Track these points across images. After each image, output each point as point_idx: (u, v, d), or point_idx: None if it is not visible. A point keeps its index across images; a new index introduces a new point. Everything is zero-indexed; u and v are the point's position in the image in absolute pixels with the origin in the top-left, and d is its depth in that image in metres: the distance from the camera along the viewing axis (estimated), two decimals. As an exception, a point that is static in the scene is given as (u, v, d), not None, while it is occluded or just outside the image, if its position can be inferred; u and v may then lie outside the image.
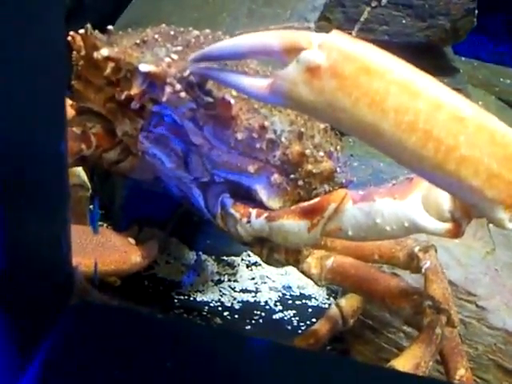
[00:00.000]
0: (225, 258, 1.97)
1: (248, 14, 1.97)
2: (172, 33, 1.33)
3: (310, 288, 1.92)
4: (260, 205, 1.34)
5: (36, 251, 0.89)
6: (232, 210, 1.34)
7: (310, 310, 1.85)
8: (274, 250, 1.40)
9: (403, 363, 1.24)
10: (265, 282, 1.92)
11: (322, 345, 1.57)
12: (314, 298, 1.90)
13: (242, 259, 1.99)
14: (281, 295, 1.88)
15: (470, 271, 1.62)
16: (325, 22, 2.05)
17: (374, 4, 2.18)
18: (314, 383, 0.96)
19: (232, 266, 1.96)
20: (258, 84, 0.95)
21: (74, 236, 1.37)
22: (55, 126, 0.90)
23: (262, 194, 1.33)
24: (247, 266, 1.97)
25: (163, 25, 1.40)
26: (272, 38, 0.92)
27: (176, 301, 1.79)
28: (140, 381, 0.90)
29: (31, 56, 0.79)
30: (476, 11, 2.30)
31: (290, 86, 0.89)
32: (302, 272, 1.44)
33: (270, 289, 1.90)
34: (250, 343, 1.06)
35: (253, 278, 1.93)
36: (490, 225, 1.47)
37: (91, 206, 1.60)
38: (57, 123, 0.90)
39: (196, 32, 1.34)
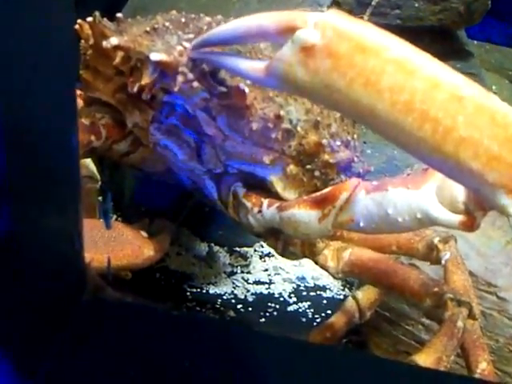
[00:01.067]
0: (237, 249, 1.95)
1: (259, -2, 1.94)
2: (183, 20, 1.29)
3: (325, 279, 1.89)
4: (274, 195, 1.31)
5: (48, 247, 0.87)
6: (244, 200, 1.32)
7: (324, 301, 1.83)
8: (289, 242, 1.37)
9: (424, 358, 1.22)
10: (278, 274, 1.89)
11: (338, 338, 1.55)
12: (329, 289, 1.88)
13: (255, 250, 1.96)
14: (295, 286, 1.86)
15: (489, 261, 1.59)
16: (337, 7, 2.02)
17: (386, -13, 2.14)
18: (332, 379, 0.94)
19: (245, 257, 1.93)
20: (255, 67, 0.93)
21: (85, 230, 1.36)
22: (66, 118, 0.88)
23: (278, 185, 1.31)
24: (260, 257, 1.94)
25: (174, 11, 1.36)
26: (267, 19, 0.89)
27: (188, 293, 1.76)
28: (155, 378, 0.89)
29: (40, 47, 0.77)
30: (489, -7, 2.26)
31: (285, 67, 0.86)
32: (319, 264, 1.41)
33: (284, 280, 1.87)
34: (264, 337, 1.05)
35: (266, 270, 1.90)
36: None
37: (100, 198, 1.58)
38: (68, 116, 0.88)
39: (208, 19, 1.31)
